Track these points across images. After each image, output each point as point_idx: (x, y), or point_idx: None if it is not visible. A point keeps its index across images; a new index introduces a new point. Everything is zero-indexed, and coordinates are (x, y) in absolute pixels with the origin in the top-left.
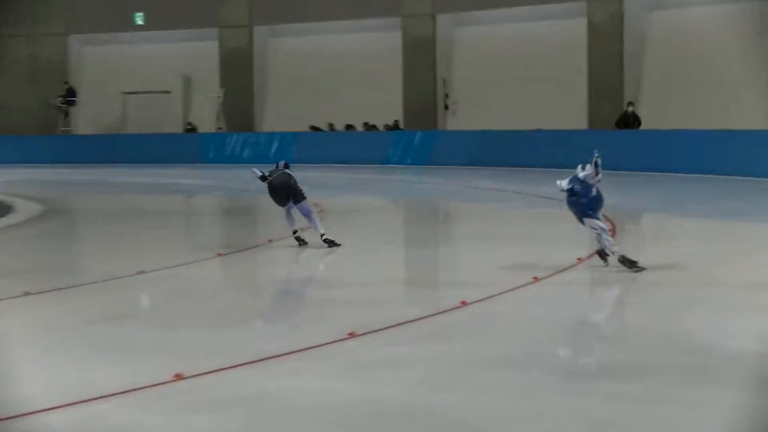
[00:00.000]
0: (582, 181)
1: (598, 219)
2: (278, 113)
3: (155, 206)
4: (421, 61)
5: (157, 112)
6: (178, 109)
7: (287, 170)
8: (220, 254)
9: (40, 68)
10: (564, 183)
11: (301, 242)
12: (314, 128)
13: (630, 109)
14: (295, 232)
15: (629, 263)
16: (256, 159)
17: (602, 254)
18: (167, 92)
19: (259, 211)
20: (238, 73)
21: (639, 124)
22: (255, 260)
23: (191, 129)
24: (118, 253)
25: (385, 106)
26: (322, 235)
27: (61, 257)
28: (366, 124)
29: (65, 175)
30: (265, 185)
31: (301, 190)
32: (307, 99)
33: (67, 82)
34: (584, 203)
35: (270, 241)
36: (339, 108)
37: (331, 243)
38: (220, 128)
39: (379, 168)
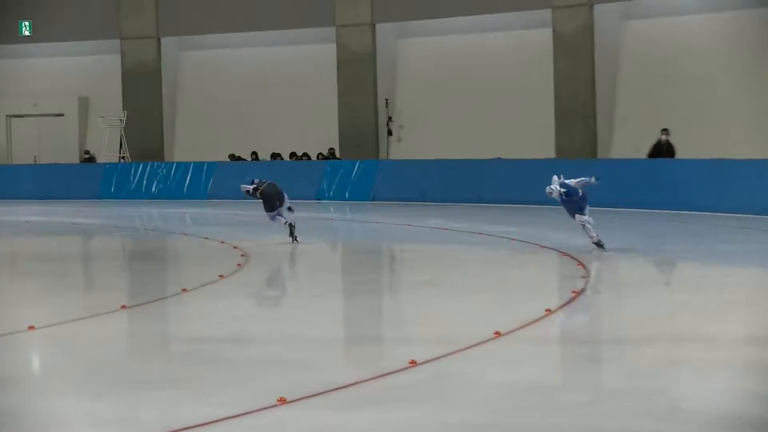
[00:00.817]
0: (570, 186)
1: (586, 215)
2: (192, 140)
3: (47, 250)
4: (360, 78)
5: (48, 138)
6: (74, 136)
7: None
8: (124, 307)
9: None
10: (556, 186)
11: (295, 238)
12: (234, 158)
13: (664, 137)
14: (291, 226)
15: (600, 245)
16: (165, 193)
17: (599, 243)
18: (60, 115)
19: (170, 255)
20: (144, 93)
21: (673, 154)
22: (165, 314)
23: (89, 159)
24: (5, 304)
25: (318, 131)
26: (291, 231)
27: None
28: (295, 153)
29: None
30: (253, 196)
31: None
32: (226, 123)
33: None
34: (575, 201)
35: (184, 290)
36: (264, 134)
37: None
38: (123, 158)
39: (312, 204)
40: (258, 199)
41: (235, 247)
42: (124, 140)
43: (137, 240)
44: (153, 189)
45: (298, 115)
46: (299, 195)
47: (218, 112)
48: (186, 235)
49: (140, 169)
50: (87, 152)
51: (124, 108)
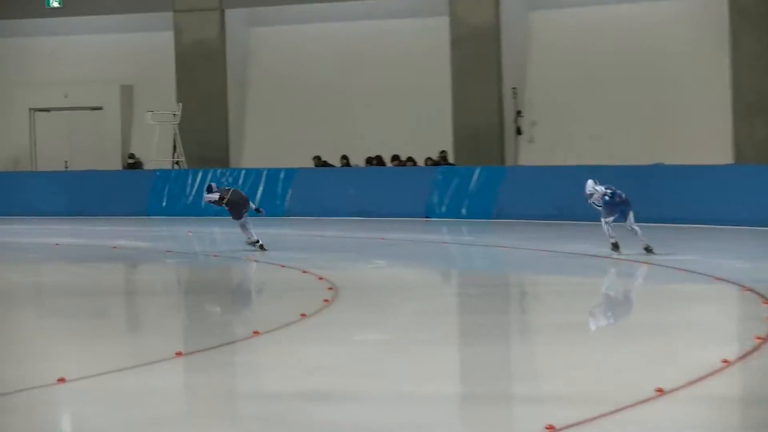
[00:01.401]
0: (613, 189)
1: (633, 219)
2: (265, 140)
3: (81, 281)
4: (480, 60)
5: (82, 138)
6: (115, 135)
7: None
8: (179, 354)
9: None
10: (600, 188)
11: (264, 248)
12: (320, 162)
13: None
14: (257, 241)
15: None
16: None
17: (649, 249)
18: (97, 109)
19: (237, 288)
20: (204, 81)
21: None
22: (232, 363)
23: (134, 164)
24: (29, 351)
25: (427, 129)
26: (256, 242)
27: None
28: (397, 157)
29: None
30: (217, 205)
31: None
32: (309, 119)
33: None
34: (618, 204)
35: (255, 333)
36: (357, 133)
37: (262, 247)
38: (177, 163)
39: (419, 224)
40: (222, 207)
41: (320, 278)
42: (178, 141)
43: (195, 268)
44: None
45: (400, 109)
46: (402, 211)
47: (299, 104)
48: (257, 261)
49: (199, 177)
50: (132, 156)
51: (179, 100)
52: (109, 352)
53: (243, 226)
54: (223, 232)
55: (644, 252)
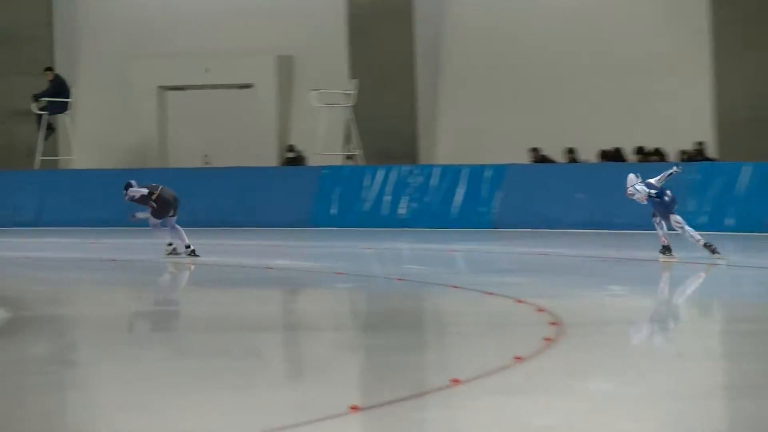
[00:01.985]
0: (655, 185)
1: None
2: (465, 129)
3: (228, 313)
4: (753, 21)
5: (227, 125)
6: (270, 120)
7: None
8: (355, 408)
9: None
10: (642, 187)
11: (196, 254)
12: (538, 156)
13: None
14: (188, 246)
15: (711, 249)
16: (421, 217)
17: (710, 248)
18: (246, 86)
19: (429, 321)
20: (386, 52)
21: None
22: (422, 420)
23: (294, 159)
24: (155, 401)
25: (678, 112)
26: (188, 246)
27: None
28: (641, 150)
29: (47, 249)
30: (144, 203)
31: None
32: (522, 101)
33: (50, 69)
34: (667, 202)
35: (454, 382)
36: (586, 119)
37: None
38: (351, 157)
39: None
40: (147, 205)
41: (539, 310)
42: (353, 128)
43: (375, 296)
44: (401, 210)
45: (641, 86)
46: (638, 221)
47: (508, 81)
48: (456, 287)
49: (379, 176)
50: (291, 148)
51: (353, 75)
52: (262, 405)
53: (154, 228)
54: (411, 249)
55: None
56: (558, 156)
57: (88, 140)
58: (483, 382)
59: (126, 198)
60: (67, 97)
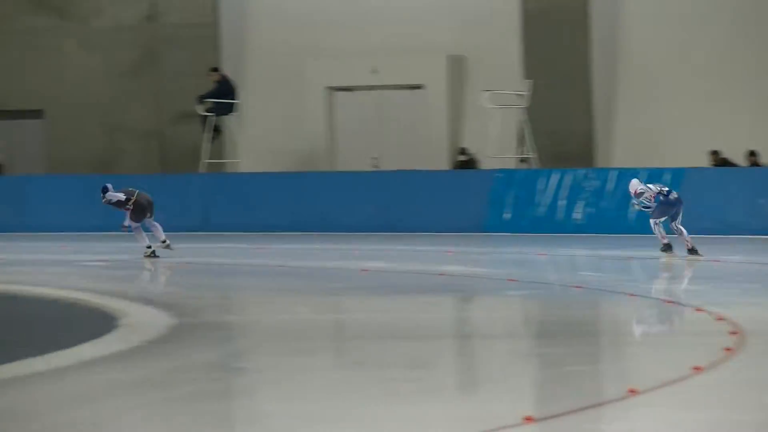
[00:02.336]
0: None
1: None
2: (643, 130)
3: (398, 320)
4: None
5: (395, 126)
6: (440, 122)
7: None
8: (529, 419)
9: (135, 42)
10: (650, 186)
11: (156, 256)
12: (718, 160)
13: None
14: (149, 247)
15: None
16: (599, 222)
17: (694, 251)
18: (416, 87)
19: (605, 329)
20: (561, 51)
21: None
22: (600, 431)
23: (466, 162)
24: (325, 412)
25: None
26: (164, 241)
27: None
28: None
29: (213, 254)
30: (122, 208)
31: None
32: (701, 99)
33: (216, 70)
34: (674, 204)
35: (631, 392)
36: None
37: (167, 246)
38: (525, 160)
39: None
40: (125, 210)
41: (719, 319)
42: (527, 130)
43: (550, 304)
44: (576, 215)
45: None
46: None
47: (686, 79)
48: (633, 296)
49: (554, 180)
50: (463, 151)
51: (527, 76)
52: (434, 416)
53: (134, 232)
54: (587, 255)
55: (688, 254)
56: (739, 159)
57: (255, 143)
58: (661, 392)
59: (103, 201)
60: (234, 99)
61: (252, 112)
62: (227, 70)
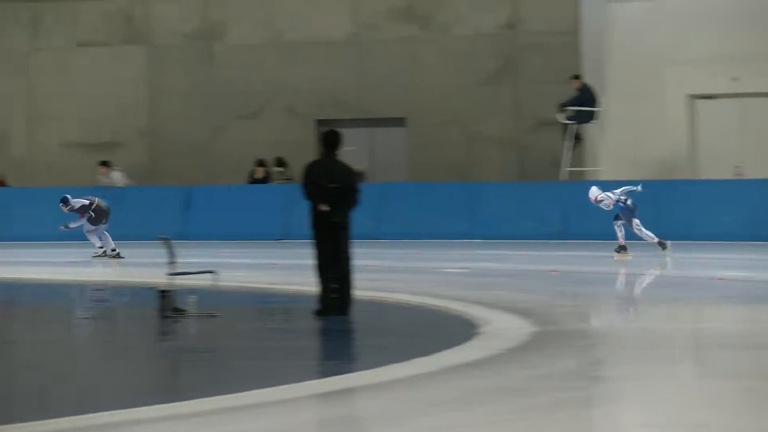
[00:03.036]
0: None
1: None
2: None
3: (757, 329)
4: None
5: (758, 135)
6: None
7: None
8: None
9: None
10: (609, 194)
11: (120, 257)
12: None
13: None
14: (114, 250)
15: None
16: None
17: (663, 244)
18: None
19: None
20: None
21: None
22: None
23: None
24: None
25: None
26: (113, 250)
27: None
28: None
29: (574, 262)
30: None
31: None
32: None
33: (577, 77)
34: (632, 210)
35: None
36: None
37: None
38: None
39: None
40: (84, 214)
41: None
42: None
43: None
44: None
45: None
46: None
47: None
48: None
49: None
50: None
51: None
52: None
53: (89, 234)
54: None
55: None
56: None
57: (615, 151)
58: None
59: (66, 209)
60: (594, 107)
61: (612, 120)
62: (587, 77)
